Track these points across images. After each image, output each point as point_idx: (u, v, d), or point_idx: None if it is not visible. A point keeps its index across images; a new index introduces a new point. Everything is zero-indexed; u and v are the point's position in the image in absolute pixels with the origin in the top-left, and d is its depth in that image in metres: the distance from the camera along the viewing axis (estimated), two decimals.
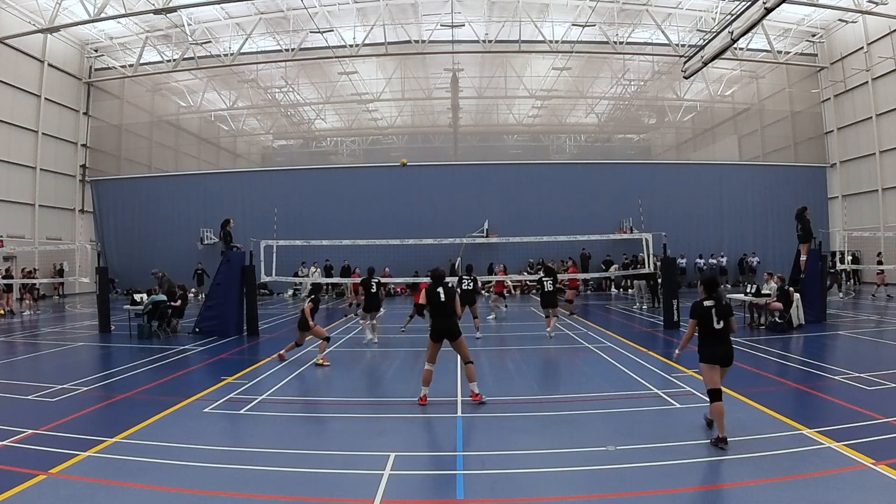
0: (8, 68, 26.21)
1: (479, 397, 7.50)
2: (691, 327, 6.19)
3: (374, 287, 13.29)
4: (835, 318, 15.80)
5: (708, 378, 6.00)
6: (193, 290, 25.34)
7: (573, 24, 27.62)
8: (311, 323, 10.59)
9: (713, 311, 6.01)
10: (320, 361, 10.29)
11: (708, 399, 5.95)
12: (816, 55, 30.61)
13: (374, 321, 13.30)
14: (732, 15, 21.09)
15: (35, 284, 22.56)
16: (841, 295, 22.41)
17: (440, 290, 7.82)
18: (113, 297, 20.78)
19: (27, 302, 21.39)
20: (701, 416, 6.60)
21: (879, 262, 23.15)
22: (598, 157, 31.51)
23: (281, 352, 10.96)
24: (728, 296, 16.70)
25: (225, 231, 15.73)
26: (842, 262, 21.99)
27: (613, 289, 27.88)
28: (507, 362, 10.57)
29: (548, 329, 13.18)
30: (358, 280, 19.16)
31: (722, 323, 6.00)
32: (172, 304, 14.95)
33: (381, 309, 14.98)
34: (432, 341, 7.76)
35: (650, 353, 11.01)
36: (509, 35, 28.67)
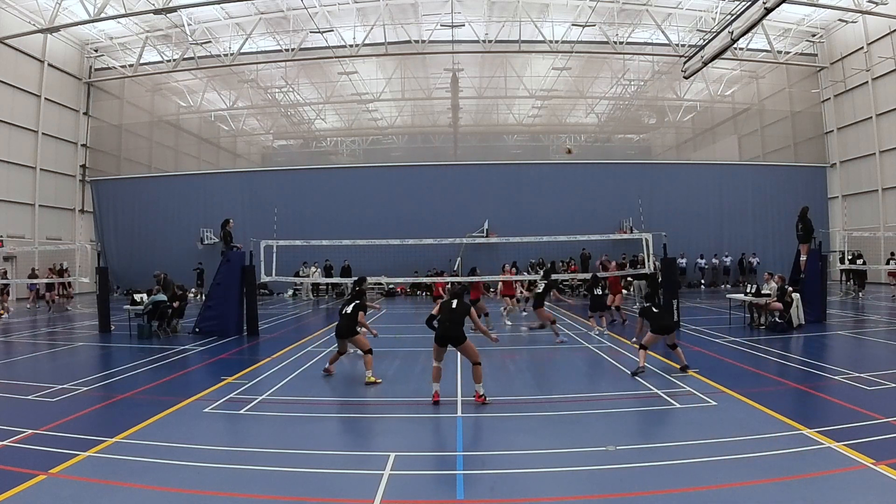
0: (8, 68, 26.19)
1: (482, 399, 7.55)
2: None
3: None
4: (835, 318, 15.80)
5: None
6: (193, 290, 25.35)
7: (573, 24, 27.61)
8: (360, 330, 9.68)
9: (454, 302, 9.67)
10: (371, 379, 8.93)
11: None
12: (816, 55, 30.59)
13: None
14: (732, 15, 21.08)
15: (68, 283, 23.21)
16: (861, 295, 22.15)
17: (454, 301, 8.12)
18: (112, 298, 20.80)
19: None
20: (701, 416, 6.59)
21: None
22: (598, 157, 31.48)
23: (327, 366, 9.73)
24: (728, 296, 16.81)
25: (225, 231, 15.72)
26: (841, 262, 21.97)
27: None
28: (507, 362, 10.57)
29: (601, 328, 13.90)
30: (443, 280, 18.27)
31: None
32: (172, 305, 14.95)
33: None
34: (437, 345, 7.85)
35: (650, 352, 10.99)
36: (509, 35, 28.65)
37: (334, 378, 9.64)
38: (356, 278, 11.55)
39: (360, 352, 9.61)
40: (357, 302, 9.74)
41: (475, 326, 8.18)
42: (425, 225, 25.19)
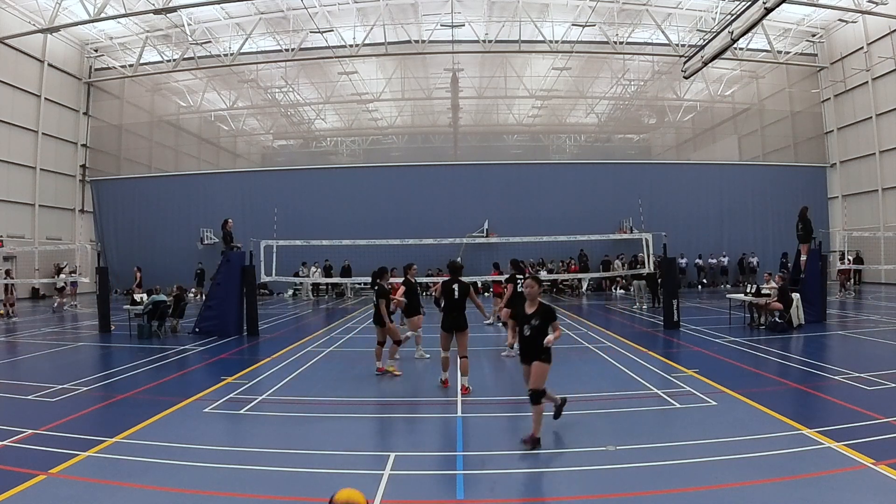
0: (8, 68, 26.18)
1: (467, 390, 7.97)
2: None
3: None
4: (835, 318, 15.80)
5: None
6: (193, 290, 25.35)
7: (573, 24, 27.61)
8: (387, 320, 9.52)
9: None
10: (392, 369, 9.34)
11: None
12: (816, 55, 30.59)
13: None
14: (732, 15, 21.09)
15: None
16: (850, 294, 22.56)
17: (455, 286, 8.41)
18: (112, 298, 20.81)
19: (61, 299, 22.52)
20: (701, 416, 6.59)
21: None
22: (598, 157, 31.49)
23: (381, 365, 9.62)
24: (728, 296, 16.81)
25: (225, 231, 15.71)
26: (841, 261, 22.06)
27: (620, 290, 27.38)
28: (506, 362, 10.57)
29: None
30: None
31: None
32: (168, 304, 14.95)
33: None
34: (443, 331, 8.36)
35: (650, 352, 11.01)
36: (509, 35, 28.64)
37: (334, 378, 9.64)
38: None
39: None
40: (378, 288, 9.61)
41: (475, 304, 8.61)
42: (425, 225, 25.19)
